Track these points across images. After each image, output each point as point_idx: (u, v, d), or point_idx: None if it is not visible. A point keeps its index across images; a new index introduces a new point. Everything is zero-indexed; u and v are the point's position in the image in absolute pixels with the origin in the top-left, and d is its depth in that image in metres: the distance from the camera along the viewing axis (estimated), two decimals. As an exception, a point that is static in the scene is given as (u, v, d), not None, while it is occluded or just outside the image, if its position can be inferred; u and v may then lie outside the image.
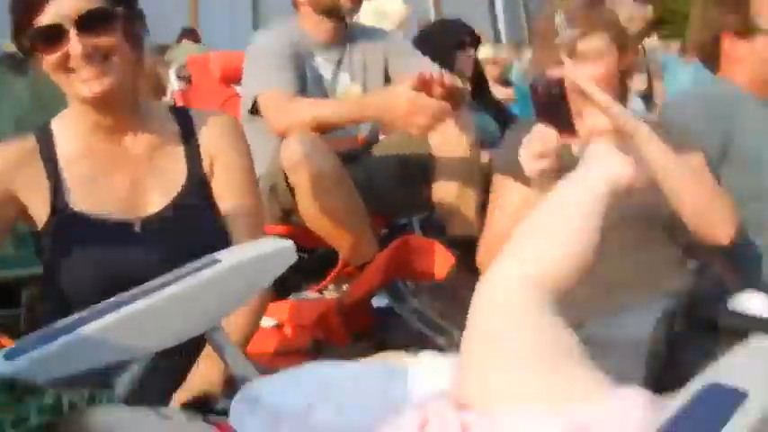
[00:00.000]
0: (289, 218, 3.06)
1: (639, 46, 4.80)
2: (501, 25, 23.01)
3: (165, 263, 1.77)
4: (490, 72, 6.48)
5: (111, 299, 1.51)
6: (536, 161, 2.04)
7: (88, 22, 1.80)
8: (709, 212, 2.16)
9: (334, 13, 3.20)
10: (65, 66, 1.82)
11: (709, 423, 1.02)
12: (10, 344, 2.65)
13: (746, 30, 2.57)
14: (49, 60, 1.82)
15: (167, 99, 4.28)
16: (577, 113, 2.04)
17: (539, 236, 1.49)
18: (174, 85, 4.18)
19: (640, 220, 2.23)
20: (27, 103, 3.41)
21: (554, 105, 2.02)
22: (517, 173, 2.23)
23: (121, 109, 1.93)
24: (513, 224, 2.16)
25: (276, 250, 1.64)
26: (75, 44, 1.78)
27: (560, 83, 2.01)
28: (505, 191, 2.32)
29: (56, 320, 1.85)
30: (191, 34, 9.76)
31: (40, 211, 1.89)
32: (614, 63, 2.27)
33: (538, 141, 2.04)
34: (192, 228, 1.94)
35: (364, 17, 4.75)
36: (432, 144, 3.08)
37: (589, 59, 2.23)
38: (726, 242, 2.20)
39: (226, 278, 1.57)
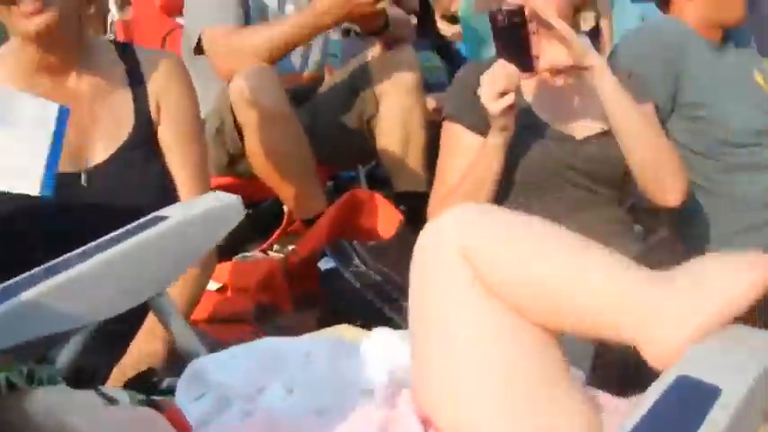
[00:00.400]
0: (234, 166, 2.97)
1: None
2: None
3: (112, 215, 1.68)
4: (439, 4, 6.22)
5: (50, 263, 1.42)
6: (499, 99, 2.02)
7: None
8: (659, 166, 2.16)
9: None
10: None
11: (682, 424, 0.97)
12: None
13: None
14: None
15: (108, 31, 4.11)
16: (537, 48, 2.07)
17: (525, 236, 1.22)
18: (114, 14, 4.02)
19: (587, 175, 2.23)
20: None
21: (514, 37, 2.03)
22: (469, 119, 2.21)
23: (66, 46, 1.82)
24: (467, 176, 2.14)
25: (223, 206, 1.58)
26: None
27: (521, 12, 2.02)
28: (457, 139, 2.26)
29: None
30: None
31: None
32: None
33: (501, 78, 2.02)
34: (138, 179, 1.86)
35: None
36: (375, 86, 2.99)
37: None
38: (674, 203, 2.21)
39: (172, 237, 1.49)
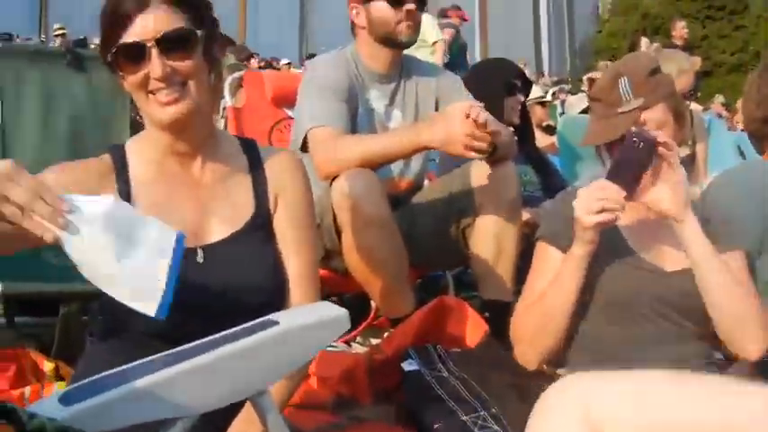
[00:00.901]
0: (329, 261, 3.05)
1: (688, 108, 4.78)
2: (545, 55, 23.12)
3: (225, 291, 1.85)
4: (538, 115, 6.29)
5: (166, 352, 1.52)
6: (594, 214, 2.09)
7: (170, 43, 1.82)
8: (740, 321, 2.18)
9: (390, 43, 3.21)
10: (145, 87, 1.84)
11: None
12: (39, 357, 2.68)
13: None
14: (129, 80, 1.84)
15: (219, 115, 4.28)
16: (644, 180, 2.12)
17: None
18: (227, 99, 4.18)
19: (673, 308, 2.25)
20: (83, 103, 3.42)
21: (634, 162, 2.09)
22: (563, 243, 2.27)
23: (195, 134, 1.95)
24: (548, 292, 2.21)
25: (332, 318, 1.64)
26: (155, 65, 1.81)
27: (654, 143, 2.09)
28: (551, 259, 2.32)
29: (105, 349, 1.92)
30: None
31: None
32: (672, 134, 2.30)
33: (604, 196, 2.08)
34: (253, 261, 1.95)
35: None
36: (474, 198, 3.07)
37: (650, 129, 2.25)
38: (754, 357, 2.21)
39: (281, 342, 1.56)
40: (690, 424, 1.19)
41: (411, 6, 3.15)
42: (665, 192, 2.15)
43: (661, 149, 2.12)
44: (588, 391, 1.23)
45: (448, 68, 4.26)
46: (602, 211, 2.08)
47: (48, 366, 2.72)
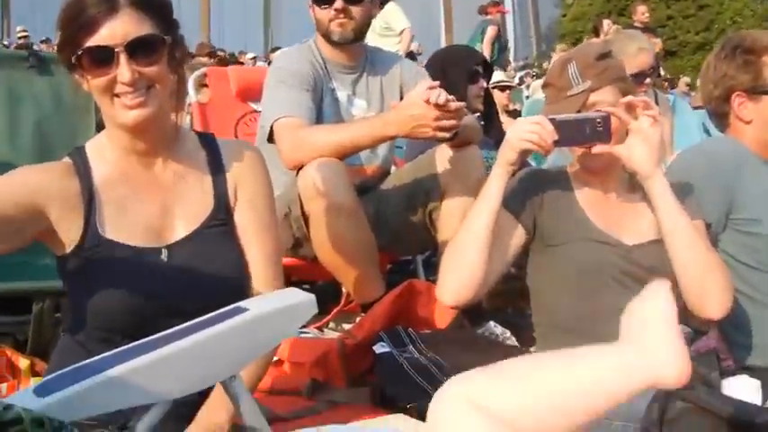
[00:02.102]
0: (299, 248, 3.09)
1: (650, 89, 4.82)
2: (510, 41, 23.20)
3: (189, 289, 1.89)
4: (498, 99, 6.37)
5: (139, 341, 1.55)
6: (522, 141, 2.24)
7: (139, 49, 1.83)
8: (706, 279, 2.24)
9: (328, 40, 3.26)
10: (110, 90, 1.85)
11: None
12: (14, 355, 2.70)
13: (756, 91, 2.64)
14: (94, 83, 1.85)
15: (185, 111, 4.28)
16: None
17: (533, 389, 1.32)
18: (191, 95, 4.18)
19: (638, 280, 2.28)
20: (48, 106, 3.40)
21: (581, 128, 2.25)
22: (516, 210, 2.38)
23: (156, 135, 1.97)
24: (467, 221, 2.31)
25: (299, 303, 1.68)
26: (124, 70, 1.82)
27: (608, 136, 2.26)
28: (500, 222, 2.36)
29: (76, 342, 1.94)
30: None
31: (69, 233, 1.90)
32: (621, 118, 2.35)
33: (537, 131, 2.22)
34: (215, 256, 1.98)
35: (371, 35, 4.81)
36: (441, 181, 3.11)
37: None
38: (716, 317, 2.29)
39: (251, 328, 1.59)
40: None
41: (339, 5, 3.19)
42: (639, 146, 2.25)
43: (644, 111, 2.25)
44: (474, 387, 1.30)
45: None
46: (530, 141, 2.22)
47: (23, 363, 2.74)
